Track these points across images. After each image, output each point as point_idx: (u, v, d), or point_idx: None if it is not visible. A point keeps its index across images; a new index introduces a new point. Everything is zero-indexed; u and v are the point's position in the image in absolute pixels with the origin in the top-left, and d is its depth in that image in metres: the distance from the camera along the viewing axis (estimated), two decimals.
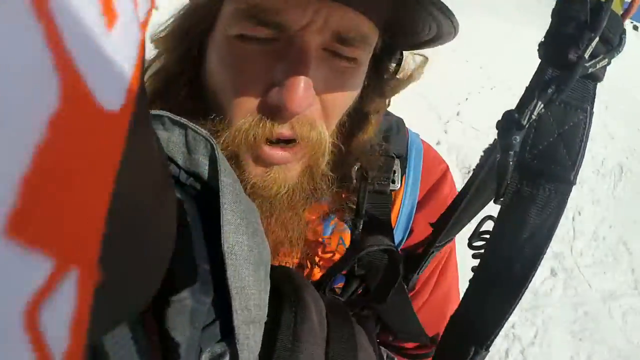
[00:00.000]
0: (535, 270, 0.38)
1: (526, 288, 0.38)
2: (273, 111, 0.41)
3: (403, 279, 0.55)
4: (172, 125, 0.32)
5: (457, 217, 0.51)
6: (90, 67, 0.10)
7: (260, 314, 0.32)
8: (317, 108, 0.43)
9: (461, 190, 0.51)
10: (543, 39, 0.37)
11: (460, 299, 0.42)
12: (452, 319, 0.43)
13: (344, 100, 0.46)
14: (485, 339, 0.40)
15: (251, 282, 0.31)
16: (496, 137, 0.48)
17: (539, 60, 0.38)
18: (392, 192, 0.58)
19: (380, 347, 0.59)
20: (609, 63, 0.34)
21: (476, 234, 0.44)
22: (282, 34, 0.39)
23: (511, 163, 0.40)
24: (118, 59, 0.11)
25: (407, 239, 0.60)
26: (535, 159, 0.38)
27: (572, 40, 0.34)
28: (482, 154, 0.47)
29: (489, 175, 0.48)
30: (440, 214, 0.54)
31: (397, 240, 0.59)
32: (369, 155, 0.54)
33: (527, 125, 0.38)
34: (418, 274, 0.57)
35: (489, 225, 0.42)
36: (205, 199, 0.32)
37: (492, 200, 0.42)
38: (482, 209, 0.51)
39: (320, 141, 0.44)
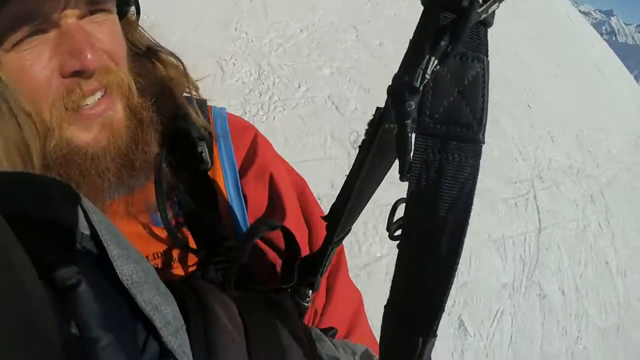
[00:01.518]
0: (463, 243, 0.35)
1: (457, 263, 0.35)
2: (76, 76, 0.49)
3: (308, 286, 0.49)
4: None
5: (352, 205, 0.45)
6: None
7: (180, 323, 0.36)
8: (105, 58, 0.52)
9: (351, 175, 0.45)
10: None
11: (389, 290, 0.38)
12: (386, 313, 0.38)
13: (119, 42, 0.55)
14: (429, 327, 0.36)
15: (160, 300, 0.35)
16: (377, 109, 0.43)
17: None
18: (209, 171, 0.61)
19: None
20: (498, 6, 0.30)
21: (391, 223, 0.39)
22: (48, 24, 0.47)
23: (410, 133, 0.35)
24: None
25: (247, 207, 0.63)
26: (437, 124, 0.34)
27: None
28: (366, 127, 0.41)
29: (379, 150, 0.42)
30: (332, 205, 0.49)
31: (239, 210, 0.63)
32: (169, 140, 0.59)
33: (421, 88, 0.33)
34: (321, 275, 0.51)
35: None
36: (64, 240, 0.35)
37: (399, 178, 0.36)
38: (377, 187, 0.46)
39: (122, 79, 0.54)
